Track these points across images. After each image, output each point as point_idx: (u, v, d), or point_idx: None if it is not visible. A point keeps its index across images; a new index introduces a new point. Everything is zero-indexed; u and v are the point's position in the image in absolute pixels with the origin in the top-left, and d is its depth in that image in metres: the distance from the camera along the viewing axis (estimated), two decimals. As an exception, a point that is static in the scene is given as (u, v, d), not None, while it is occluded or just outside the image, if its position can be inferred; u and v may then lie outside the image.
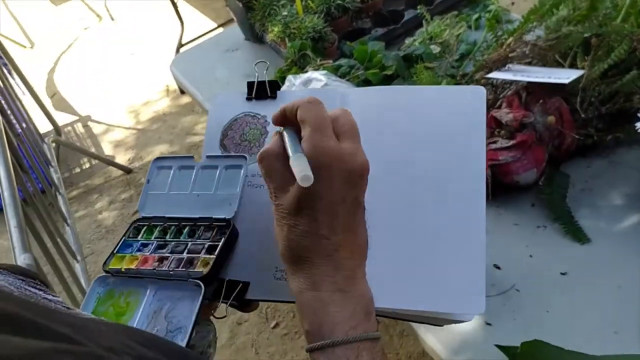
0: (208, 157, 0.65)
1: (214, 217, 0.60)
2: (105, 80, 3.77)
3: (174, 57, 2.08)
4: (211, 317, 0.60)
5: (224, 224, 0.59)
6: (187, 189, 0.63)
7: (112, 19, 4.50)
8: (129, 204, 2.82)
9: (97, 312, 0.56)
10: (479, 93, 0.59)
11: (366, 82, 1.31)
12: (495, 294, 0.90)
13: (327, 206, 0.46)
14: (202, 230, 0.60)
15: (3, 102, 2.23)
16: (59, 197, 2.29)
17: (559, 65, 1.07)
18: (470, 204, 0.55)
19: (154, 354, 0.34)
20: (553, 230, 0.98)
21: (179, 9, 3.25)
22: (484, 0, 1.51)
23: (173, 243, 0.60)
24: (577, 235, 0.95)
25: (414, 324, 0.91)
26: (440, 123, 0.59)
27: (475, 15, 1.46)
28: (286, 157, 0.49)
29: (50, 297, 0.40)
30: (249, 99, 0.68)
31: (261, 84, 0.67)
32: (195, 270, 0.55)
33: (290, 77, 1.27)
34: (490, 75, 1.09)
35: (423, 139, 0.58)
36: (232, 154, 0.65)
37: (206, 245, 0.58)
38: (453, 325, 0.57)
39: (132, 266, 0.58)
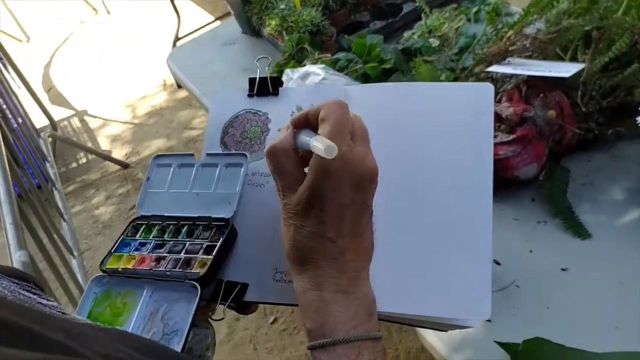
0: (208, 155, 0.64)
1: (212, 216, 0.59)
2: (102, 74, 3.75)
3: (170, 51, 2.06)
4: (210, 319, 0.58)
5: (223, 223, 0.58)
6: (186, 187, 0.62)
7: (109, 12, 4.47)
8: (126, 199, 2.81)
9: (94, 312, 0.55)
10: (487, 90, 0.57)
11: (364, 76, 1.29)
12: (495, 290, 0.90)
13: (335, 209, 0.46)
14: (201, 230, 0.59)
15: (-2, 96, 2.21)
16: (55, 193, 2.28)
17: (560, 58, 1.06)
18: (476, 207, 0.53)
19: None
20: (553, 225, 0.97)
21: (175, 2, 3.23)
22: (483, -7, 1.50)
23: (171, 243, 0.59)
24: (578, 230, 0.95)
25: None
26: (446, 122, 0.57)
27: (475, 8, 1.44)
28: (296, 153, 0.49)
29: (44, 301, 0.39)
30: (250, 95, 0.67)
31: (263, 80, 0.66)
32: (192, 271, 0.54)
33: (287, 71, 1.26)
34: (490, 69, 1.08)
35: (428, 138, 0.57)
36: (233, 152, 0.63)
37: (204, 246, 0.57)
38: None
39: (129, 266, 0.57)
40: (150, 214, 0.62)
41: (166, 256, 0.57)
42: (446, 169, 0.55)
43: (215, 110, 0.68)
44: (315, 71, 1.22)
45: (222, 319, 0.56)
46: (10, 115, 2.30)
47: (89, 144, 3.21)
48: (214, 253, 0.55)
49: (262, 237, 0.58)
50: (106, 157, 3.04)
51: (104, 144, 3.22)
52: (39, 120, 3.01)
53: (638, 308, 0.83)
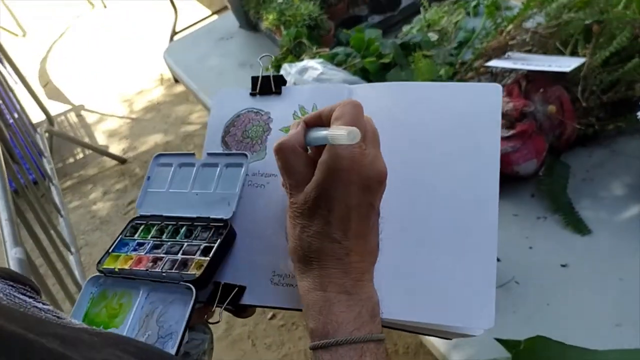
0: (209, 154, 0.62)
1: (211, 217, 0.58)
2: (99, 69, 3.73)
3: (167, 45, 2.05)
4: (209, 324, 0.58)
5: (222, 224, 0.57)
6: (186, 187, 0.61)
7: (105, 6, 4.45)
8: (123, 195, 2.80)
9: (91, 313, 0.54)
10: (495, 90, 0.55)
11: (363, 71, 1.29)
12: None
13: (342, 209, 0.45)
14: (199, 231, 0.58)
15: (-6, 91, 2.20)
16: (52, 188, 2.27)
17: (560, 53, 1.05)
18: (482, 215, 0.52)
19: None
20: (553, 221, 0.97)
21: (172, -4, 3.21)
22: (482, -13, 1.49)
23: (169, 243, 0.58)
24: (578, 226, 0.94)
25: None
26: (452, 123, 0.55)
27: (474, 2, 1.43)
28: (305, 151, 0.48)
29: (40, 304, 0.38)
30: (253, 94, 0.65)
31: (266, 78, 0.65)
32: (188, 272, 0.53)
33: (285, 65, 1.25)
34: (490, 63, 1.07)
35: (434, 139, 0.55)
36: (234, 151, 0.62)
37: (202, 247, 0.56)
38: None
39: (126, 266, 0.56)
40: (149, 213, 0.61)
41: (163, 257, 0.56)
42: (452, 173, 0.54)
43: (217, 108, 0.67)
44: (314, 66, 1.21)
45: (218, 322, 0.55)
46: (6, 111, 2.29)
47: (86, 139, 3.20)
48: (210, 255, 0.54)
49: (261, 238, 0.57)
50: (103, 152, 3.03)
51: (101, 139, 3.21)
52: (36, 116, 3.00)
53: (638, 304, 0.83)
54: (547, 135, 1.01)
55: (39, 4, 4.59)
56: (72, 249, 1.96)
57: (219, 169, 0.61)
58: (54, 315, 0.38)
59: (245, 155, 0.60)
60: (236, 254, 0.57)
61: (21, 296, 0.38)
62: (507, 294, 0.88)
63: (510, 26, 1.12)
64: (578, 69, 0.97)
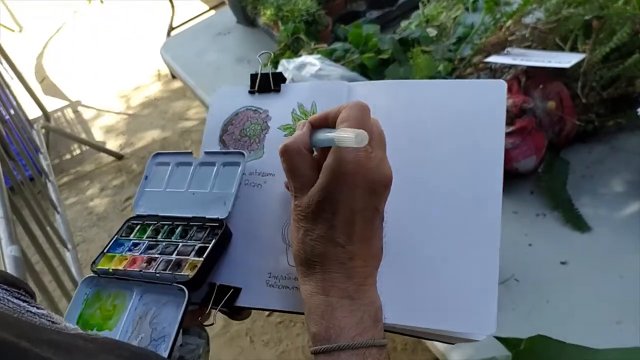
0: (206, 153, 0.62)
1: (207, 217, 0.57)
2: (96, 64, 3.72)
3: (164, 40, 2.04)
4: (204, 326, 0.57)
5: (217, 224, 0.56)
6: (183, 186, 0.61)
7: (102, 2, 4.43)
8: (120, 191, 2.79)
9: (85, 315, 0.53)
10: (499, 87, 0.54)
11: (361, 67, 1.28)
12: (494, 283, 0.89)
13: (346, 214, 0.45)
14: (195, 231, 0.57)
15: (-10, 87, 2.19)
16: (49, 185, 2.26)
17: (560, 48, 1.04)
18: (485, 219, 0.51)
19: None
20: (553, 218, 0.96)
21: (169, -9, 3.20)
22: (481, -18, 1.48)
23: (164, 243, 0.57)
24: (577, 223, 0.93)
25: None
26: (455, 122, 0.54)
27: (473, -3, 1.42)
28: (310, 152, 0.48)
29: (34, 309, 0.38)
30: (251, 92, 0.65)
31: (264, 76, 0.64)
32: (182, 273, 0.52)
33: (283, 61, 1.24)
34: (489, 59, 1.07)
35: (437, 139, 0.54)
36: (231, 150, 0.62)
37: (196, 247, 0.55)
38: None
39: (120, 267, 0.55)
40: (146, 213, 0.61)
41: (157, 257, 0.55)
42: (455, 173, 0.53)
43: (215, 107, 0.66)
44: (312, 62, 1.20)
45: (212, 324, 0.55)
46: (2, 107, 2.27)
47: (83, 135, 3.19)
48: (204, 255, 0.53)
49: (257, 239, 0.56)
50: (100, 148, 3.02)
51: (98, 135, 3.19)
52: (32, 111, 2.99)
53: (639, 302, 0.82)
54: (546, 131, 1.00)
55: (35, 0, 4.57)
56: (69, 246, 1.95)
57: (216, 167, 0.60)
58: (49, 320, 0.37)
59: (243, 154, 0.59)
60: (232, 255, 0.57)
61: (15, 300, 0.38)
62: (506, 292, 0.88)
63: (510, 22, 1.11)
64: (578, 65, 0.96)
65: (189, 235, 0.57)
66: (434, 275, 0.51)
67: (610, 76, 0.98)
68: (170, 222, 0.59)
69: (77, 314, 0.53)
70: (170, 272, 0.53)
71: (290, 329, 1.96)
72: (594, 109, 1.01)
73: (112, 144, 3.08)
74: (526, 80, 1.02)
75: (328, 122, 0.48)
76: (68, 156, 3.11)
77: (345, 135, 0.41)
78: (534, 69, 1.01)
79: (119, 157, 2.97)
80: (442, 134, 0.54)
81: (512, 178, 1.01)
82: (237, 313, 0.55)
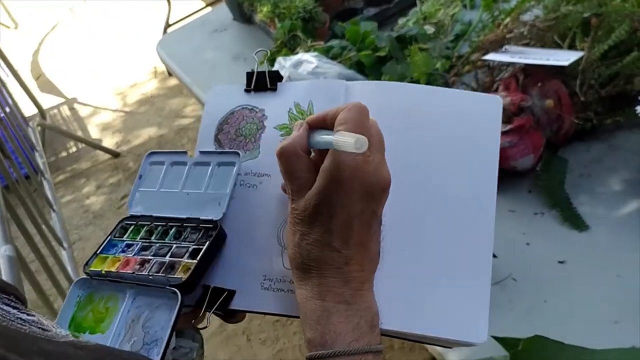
0: (201, 152, 0.61)
1: (201, 217, 0.56)
2: (92, 61, 3.70)
3: (160, 37, 2.03)
4: (197, 329, 0.56)
5: (211, 225, 0.55)
6: (177, 186, 0.59)
7: (98, -2, 4.40)
8: (116, 189, 2.78)
9: (77, 317, 0.53)
10: (495, 103, 0.55)
11: (358, 64, 1.27)
12: (491, 283, 0.88)
13: (343, 218, 0.44)
14: (189, 232, 0.56)
15: (-15, 85, 2.18)
16: (45, 183, 2.25)
17: (558, 46, 1.04)
18: (478, 228, 0.51)
19: None
20: (551, 217, 0.96)
21: (165, -13, 3.18)
22: (479, -21, 1.47)
23: (157, 245, 0.56)
24: (576, 222, 0.93)
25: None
26: (450, 131, 0.54)
27: (471, -6, 1.41)
28: (308, 154, 0.47)
29: (24, 316, 0.37)
30: (247, 90, 0.63)
31: (261, 74, 0.63)
32: (175, 276, 0.51)
33: (280, 59, 1.23)
34: (487, 56, 1.06)
35: (431, 145, 0.54)
36: (226, 150, 0.61)
37: (190, 249, 0.54)
38: None
39: (113, 269, 0.54)
40: (140, 214, 0.60)
41: (151, 259, 0.54)
42: (450, 181, 0.53)
43: (210, 105, 0.65)
44: (308, 59, 1.19)
45: (206, 327, 0.54)
46: (-3, 104, 2.26)
47: (79, 133, 3.17)
48: (198, 258, 0.52)
49: (252, 241, 0.56)
50: (96, 146, 3.01)
51: (94, 133, 3.18)
52: (28, 109, 2.97)
53: (637, 301, 0.82)
54: (544, 130, 1.00)
55: (30, -4, 4.54)
56: (65, 244, 1.94)
57: (210, 167, 0.59)
58: (39, 327, 0.36)
59: (238, 154, 0.58)
60: (226, 257, 0.56)
61: (5, 307, 0.37)
62: (504, 291, 0.87)
63: (508, 19, 1.11)
64: (576, 63, 0.96)
65: (182, 237, 0.56)
66: (428, 281, 0.51)
67: (609, 74, 0.98)
68: (164, 223, 0.58)
69: (70, 317, 0.53)
70: (163, 274, 0.52)
71: (287, 328, 1.95)
72: (592, 107, 1.00)
73: (109, 142, 3.07)
74: (524, 78, 1.01)
75: (326, 123, 0.47)
76: (64, 154, 3.09)
77: (345, 140, 0.40)
78: (532, 67, 1.00)
79: (115, 154, 2.96)
80: (438, 140, 0.54)
81: (510, 176, 1.01)
82: (231, 316, 0.55)
